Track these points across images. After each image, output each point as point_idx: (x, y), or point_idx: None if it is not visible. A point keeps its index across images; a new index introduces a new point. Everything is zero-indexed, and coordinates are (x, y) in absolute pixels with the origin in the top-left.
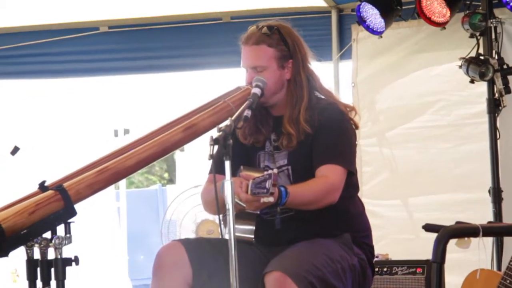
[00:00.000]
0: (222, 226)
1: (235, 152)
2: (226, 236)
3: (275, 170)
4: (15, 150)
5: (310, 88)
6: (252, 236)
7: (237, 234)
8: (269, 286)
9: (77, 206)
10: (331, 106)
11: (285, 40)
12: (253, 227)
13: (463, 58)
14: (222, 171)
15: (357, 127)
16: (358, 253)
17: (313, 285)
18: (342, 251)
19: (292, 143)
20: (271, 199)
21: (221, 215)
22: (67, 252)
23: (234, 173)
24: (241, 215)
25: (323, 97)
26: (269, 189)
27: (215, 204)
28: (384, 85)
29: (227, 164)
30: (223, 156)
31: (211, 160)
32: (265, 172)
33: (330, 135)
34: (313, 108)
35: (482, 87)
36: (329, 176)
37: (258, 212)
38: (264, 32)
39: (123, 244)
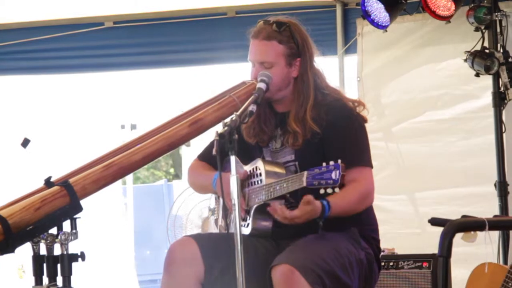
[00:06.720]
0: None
1: (239, 147)
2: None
3: (339, 161)
4: (25, 142)
5: (316, 86)
6: (271, 229)
7: (256, 226)
8: (276, 279)
9: (83, 202)
10: (337, 103)
11: (295, 37)
12: (272, 220)
13: (468, 51)
14: (211, 162)
15: (365, 122)
16: (365, 247)
17: (321, 278)
18: (349, 245)
19: (297, 142)
20: (337, 190)
21: (223, 209)
22: (73, 247)
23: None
24: (260, 208)
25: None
26: (337, 180)
27: (223, 201)
28: (389, 79)
29: (233, 159)
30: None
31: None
32: (324, 164)
33: (346, 136)
34: (319, 105)
35: (487, 80)
36: (361, 181)
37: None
38: (275, 28)
39: (130, 239)
